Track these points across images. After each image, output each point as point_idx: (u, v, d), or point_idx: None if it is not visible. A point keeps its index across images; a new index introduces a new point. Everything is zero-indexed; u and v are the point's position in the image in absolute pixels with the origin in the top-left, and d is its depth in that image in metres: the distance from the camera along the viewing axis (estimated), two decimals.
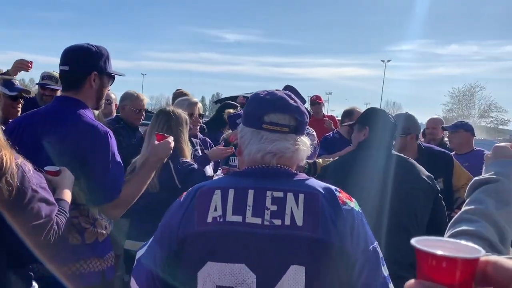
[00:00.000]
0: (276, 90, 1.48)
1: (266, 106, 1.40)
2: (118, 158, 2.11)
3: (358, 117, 2.93)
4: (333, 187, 1.37)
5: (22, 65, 3.88)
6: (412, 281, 0.43)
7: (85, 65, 2.14)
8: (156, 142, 2.29)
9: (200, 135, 3.97)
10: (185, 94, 4.48)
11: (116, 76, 2.31)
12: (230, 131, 4.23)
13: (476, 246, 0.43)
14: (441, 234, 2.36)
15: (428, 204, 2.51)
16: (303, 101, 3.82)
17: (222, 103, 5.36)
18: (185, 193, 1.42)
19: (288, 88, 3.70)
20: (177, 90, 4.83)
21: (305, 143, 1.43)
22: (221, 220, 1.28)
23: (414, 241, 0.44)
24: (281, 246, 1.25)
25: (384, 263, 1.33)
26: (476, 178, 1.33)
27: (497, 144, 1.43)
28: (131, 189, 2.12)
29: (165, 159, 2.35)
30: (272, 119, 1.37)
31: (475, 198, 1.30)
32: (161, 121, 2.88)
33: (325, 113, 7.40)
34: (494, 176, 1.28)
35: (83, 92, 2.15)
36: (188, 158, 2.93)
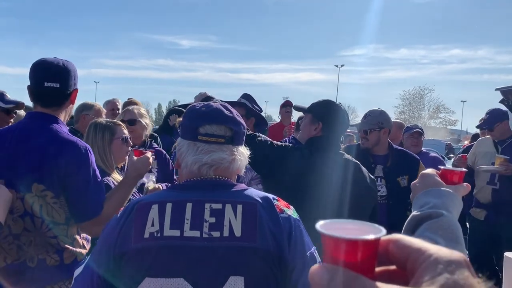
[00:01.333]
0: (213, 102, 1.48)
1: (201, 118, 1.38)
2: (98, 174, 2.06)
3: (313, 106, 2.62)
4: (271, 196, 1.36)
5: None
6: (316, 265, 0.42)
7: (73, 82, 2.11)
8: (135, 158, 2.27)
9: (155, 145, 3.69)
10: (135, 103, 4.29)
11: None
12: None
13: (379, 227, 0.43)
14: None
15: (372, 204, 2.55)
16: (260, 109, 3.86)
17: (169, 109, 5.30)
18: (122, 208, 1.38)
19: (245, 96, 3.73)
20: (128, 99, 4.74)
21: (243, 153, 1.43)
22: (158, 235, 1.24)
23: (318, 225, 0.43)
24: (220, 258, 1.23)
25: None
26: (415, 213, 1.10)
27: (423, 172, 1.22)
28: (112, 205, 2.06)
29: (145, 173, 2.30)
30: (208, 130, 1.36)
31: (421, 238, 1.09)
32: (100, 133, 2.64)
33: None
34: (436, 210, 1.06)
35: (63, 109, 2.10)
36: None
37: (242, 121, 1.46)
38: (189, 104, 5.64)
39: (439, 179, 1.17)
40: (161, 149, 3.70)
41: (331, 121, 2.51)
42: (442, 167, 1.23)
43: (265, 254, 1.24)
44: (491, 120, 4.49)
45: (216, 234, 1.25)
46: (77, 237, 2.09)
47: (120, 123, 2.79)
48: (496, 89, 4.90)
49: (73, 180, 1.96)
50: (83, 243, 2.13)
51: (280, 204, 1.36)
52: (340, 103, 2.60)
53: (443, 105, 51.44)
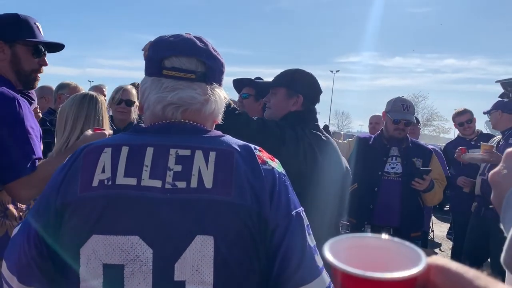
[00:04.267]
0: (186, 33, 1.21)
1: (167, 49, 1.13)
2: (34, 130, 1.77)
3: (283, 77, 2.29)
4: (252, 145, 1.12)
5: None
6: None
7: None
8: (91, 132, 2.03)
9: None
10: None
11: (53, 48, 1.98)
12: None
13: (416, 248, 0.32)
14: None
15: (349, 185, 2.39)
16: (263, 92, 3.59)
17: None
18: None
19: (258, 78, 3.45)
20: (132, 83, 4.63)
21: (219, 95, 1.17)
22: (109, 183, 1.01)
23: (327, 248, 0.32)
24: (185, 213, 0.99)
25: (311, 232, 1.09)
26: None
27: (509, 150, 0.78)
28: (48, 168, 1.73)
29: None
30: (175, 63, 1.12)
31: None
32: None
33: None
34: None
35: None
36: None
37: (220, 56, 1.20)
38: None
39: None
40: None
41: (313, 92, 2.26)
42: None
43: (240, 210, 1.00)
44: (494, 106, 4.36)
45: (181, 184, 1.01)
46: (11, 206, 1.78)
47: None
48: (497, 81, 4.76)
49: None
50: (19, 215, 1.81)
51: (263, 155, 1.11)
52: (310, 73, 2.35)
53: (436, 113, 51.65)
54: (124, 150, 1.04)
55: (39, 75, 1.99)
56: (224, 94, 1.20)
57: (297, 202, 1.10)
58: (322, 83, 2.37)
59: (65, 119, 2.15)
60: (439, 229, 8.02)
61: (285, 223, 1.04)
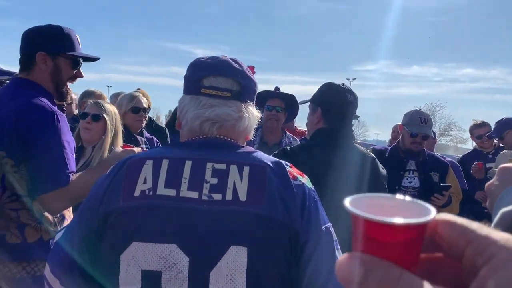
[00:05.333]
0: (222, 55, 1.30)
1: (206, 69, 1.22)
2: (68, 144, 1.86)
3: (313, 94, 2.29)
4: (283, 161, 1.18)
5: None
6: (345, 256, 0.34)
7: (31, 43, 1.95)
8: (120, 149, 2.14)
9: (146, 134, 3.62)
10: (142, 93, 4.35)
11: (87, 62, 2.09)
12: None
13: (425, 204, 0.34)
14: None
15: None
16: (296, 112, 3.67)
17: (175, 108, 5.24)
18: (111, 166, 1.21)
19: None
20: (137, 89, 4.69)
21: (252, 112, 1.25)
22: (151, 193, 1.07)
23: (347, 202, 0.34)
24: (220, 223, 1.05)
25: (339, 247, 1.14)
26: (506, 209, 0.87)
27: (502, 166, 1.02)
28: (81, 183, 1.81)
29: None
30: (212, 82, 1.20)
31: None
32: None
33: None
34: None
35: (35, 75, 1.94)
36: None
37: (253, 77, 1.29)
38: None
39: None
40: (152, 137, 3.68)
41: (331, 103, 2.13)
42: None
43: (273, 223, 1.06)
44: (500, 129, 4.36)
45: (217, 196, 1.07)
46: (47, 214, 1.86)
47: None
48: None
49: (34, 145, 1.77)
50: (54, 221, 1.89)
51: (293, 171, 1.18)
52: (343, 83, 2.25)
53: (454, 123, 51.05)
54: (165, 163, 1.11)
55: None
56: (256, 112, 1.28)
57: (326, 217, 1.16)
58: None
59: None
60: None
61: (316, 237, 1.10)
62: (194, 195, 1.08)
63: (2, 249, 1.77)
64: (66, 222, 1.98)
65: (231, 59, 1.27)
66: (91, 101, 2.67)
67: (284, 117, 3.44)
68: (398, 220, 0.32)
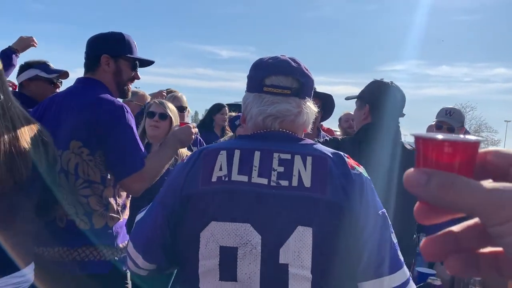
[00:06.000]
0: (281, 55, 1.41)
1: (267, 69, 1.34)
2: (137, 134, 2.05)
3: (362, 91, 2.37)
4: (342, 153, 1.30)
5: (30, 41, 3.35)
6: (411, 169, 0.40)
7: (96, 48, 2.17)
8: (177, 127, 2.34)
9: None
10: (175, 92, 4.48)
11: (144, 63, 2.27)
12: (231, 134, 4.25)
13: (477, 138, 0.40)
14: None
15: None
16: (331, 112, 3.73)
17: (211, 107, 5.38)
18: (187, 155, 1.35)
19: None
20: (167, 89, 4.84)
21: (310, 107, 1.36)
22: (226, 179, 1.21)
23: (414, 133, 0.41)
24: (288, 206, 1.19)
25: (393, 231, 1.26)
26: None
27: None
28: (153, 164, 2.04)
29: (186, 143, 2.28)
30: (274, 81, 1.31)
31: None
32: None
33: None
34: None
35: (99, 75, 2.14)
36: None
37: (311, 74, 1.40)
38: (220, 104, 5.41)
39: None
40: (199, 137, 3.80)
41: (379, 100, 2.21)
42: None
43: (335, 207, 1.19)
44: None
45: (284, 183, 1.21)
46: (112, 201, 2.03)
47: (156, 100, 2.90)
48: None
49: (109, 136, 1.96)
50: (117, 209, 2.06)
51: (351, 161, 1.30)
52: (392, 82, 2.32)
53: (485, 124, 49.89)
54: (237, 153, 1.25)
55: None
56: (313, 106, 1.39)
57: (381, 204, 1.28)
58: None
59: None
60: None
61: (374, 221, 1.22)
62: (264, 181, 1.21)
63: (72, 234, 1.93)
64: (127, 211, 2.13)
65: (290, 58, 1.38)
66: (156, 101, 2.89)
67: (319, 116, 3.49)
68: (454, 138, 0.39)
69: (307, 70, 1.39)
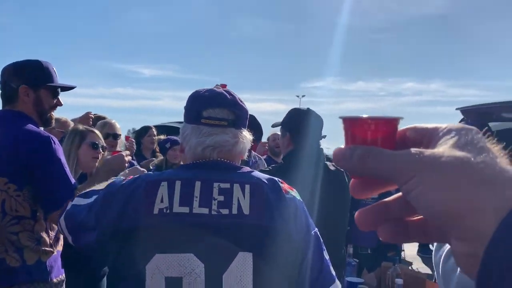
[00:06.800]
0: (216, 87, 1.48)
1: (204, 102, 1.40)
2: (66, 165, 2.01)
3: (283, 119, 2.52)
4: (276, 178, 1.39)
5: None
6: (339, 147, 0.44)
7: (12, 79, 2.09)
8: (110, 156, 2.28)
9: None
10: (104, 118, 4.42)
11: (65, 89, 2.22)
12: (161, 157, 4.22)
13: (395, 115, 0.45)
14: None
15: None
16: (260, 132, 3.81)
17: (138, 130, 5.28)
18: (126, 179, 1.38)
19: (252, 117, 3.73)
20: (94, 114, 4.73)
21: (245, 137, 1.43)
22: (168, 211, 1.25)
23: (341, 116, 0.45)
24: (229, 234, 1.25)
25: (325, 248, 1.38)
26: None
27: None
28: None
29: (119, 172, 2.18)
30: (211, 113, 1.38)
31: None
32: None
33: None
34: None
35: (19, 106, 2.08)
36: None
37: (245, 105, 1.49)
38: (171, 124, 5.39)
39: None
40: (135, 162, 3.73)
41: (299, 127, 2.37)
42: None
43: (272, 232, 1.28)
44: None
45: (225, 211, 1.27)
46: (44, 235, 1.98)
47: (95, 130, 2.73)
48: (457, 109, 5.17)
49: (36, 170, 1.91)
50: (50, 242, 2.00)
51: (285, 186, 1.40)
52: (308, 108, 2.50)
53: None
54: (178, 184, 1.30)
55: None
56: (248, 135, 1.48)
57: (313, 224, 1.39)
58: (288, 108, 2.55)
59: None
60: (409, 248, 8.41)
61: (308, 241, 1.33)
62: (205, 211, 1.27)
63: (4, 274, 1.85)
64: (60, 242, 2.08)
65: (225, 91, 1.46)
66: (95, 131, 2.75)
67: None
68: (375, 116, 0.43)
69: (241, 101, 1.47)
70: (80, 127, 2.66)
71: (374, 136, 0.43)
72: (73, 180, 2.02)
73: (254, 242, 1.27)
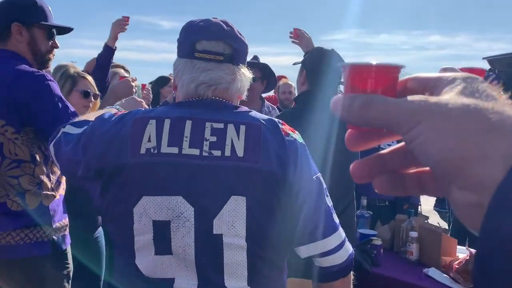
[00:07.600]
0: (213, 18, 1.33)
1: (198, 33, 1.27)
2: (64, 99, 1.93)
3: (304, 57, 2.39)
4: (276, 119, 1.28)
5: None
6: (338, 95, 0.41)
7: (4, 15, 1.98)
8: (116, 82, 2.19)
9: None
10: (122, 67, 4.29)
11: (62, 31, 2.11)
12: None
13: (399, 63, 0.42)
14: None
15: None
16: (275, 80, 3.67)
17: (155, 80, 5.19)
18: (116, 113, 1.28)
19: (256, 58, 3.50)
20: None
21: (244, 74, 1.31)
22: (155, 151, 1.16)
23: (341, 63, 0.43)
24: (221, 177, 1.15)
25: (328, 194, 1.27)
26: None
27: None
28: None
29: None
30: (205, 46, 1.25)
31: None
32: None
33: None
34: None
35: (12, 45, 1.98)
36: None
37: (245, 39, 1.34)
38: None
39: None
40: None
41: (316, 65, 2.22)
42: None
43: (269, 176, 1.17)
44: None
45: (217, 153, 1.17)
46: (45, 179, 1.93)
47: (87, 76, 2.51)
48: (483, 58, 4.91)
49: (35, 111, 1.83)
50: (52, 186, 1.96)
51: (285, 127, 1.27)
52: (332, 49, 2.34)
53: None
54: (167, 122, 1.19)
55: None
56: (248, 73, 1.34)
57: (316, 168, 1.27)
58: None
59: None
60: (426, 202, 8.35)
61: (308, 186, 1.21)
62: (195, 152, 1.17)
63: (6, 217, 1.82)
64: (62, 187, 2.03)
65: (222, 21, 1.32)
66: (89, 79, 2.56)
67: (262, 86, 3.47)
68: (375, 63, 0.41)
69: (240, 34, 1.33)
70: (72, 70, 2.49)
71: (375, 84, 0.41)
72: (72, 109, 1.93)
73: (248, 185, 1.16)
